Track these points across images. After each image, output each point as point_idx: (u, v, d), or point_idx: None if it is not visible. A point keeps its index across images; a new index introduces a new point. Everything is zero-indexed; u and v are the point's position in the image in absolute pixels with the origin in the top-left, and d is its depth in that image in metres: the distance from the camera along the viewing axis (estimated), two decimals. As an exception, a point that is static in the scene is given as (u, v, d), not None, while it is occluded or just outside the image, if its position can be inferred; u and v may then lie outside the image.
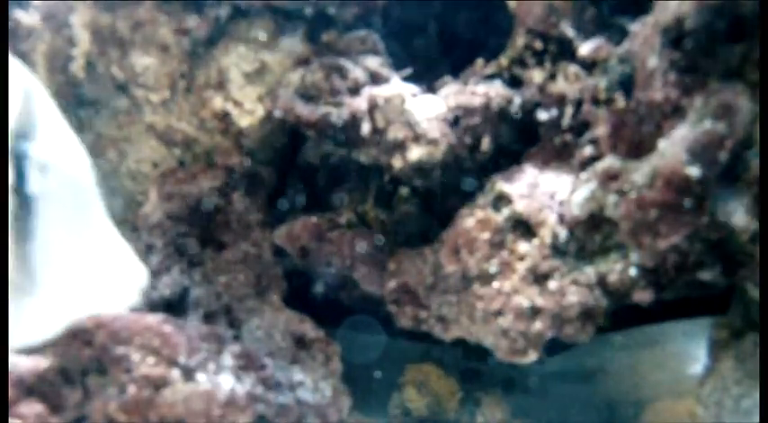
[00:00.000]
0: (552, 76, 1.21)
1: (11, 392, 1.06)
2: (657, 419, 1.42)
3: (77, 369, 1.09)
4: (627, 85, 1.07)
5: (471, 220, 1.17)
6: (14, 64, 0.64)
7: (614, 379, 1.51)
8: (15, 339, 0.63)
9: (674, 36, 0.95)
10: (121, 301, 0.64)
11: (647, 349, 1.50)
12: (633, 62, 1.06)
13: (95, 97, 1.41)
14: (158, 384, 1.08)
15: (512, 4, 1.24)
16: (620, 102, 1.07)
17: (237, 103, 1.33)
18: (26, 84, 0.64)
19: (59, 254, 0.62)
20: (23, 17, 1.39)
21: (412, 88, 1.26)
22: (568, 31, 1.19)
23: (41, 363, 1.08)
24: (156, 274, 1.30)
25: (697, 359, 1.38)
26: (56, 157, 0.64)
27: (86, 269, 0.63)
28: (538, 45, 1.21)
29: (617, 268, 1.06)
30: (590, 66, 1.16)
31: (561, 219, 1.12)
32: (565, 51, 1.20)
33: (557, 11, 1.20)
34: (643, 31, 1.03)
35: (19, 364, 1.07)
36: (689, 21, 0.93)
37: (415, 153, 1.21)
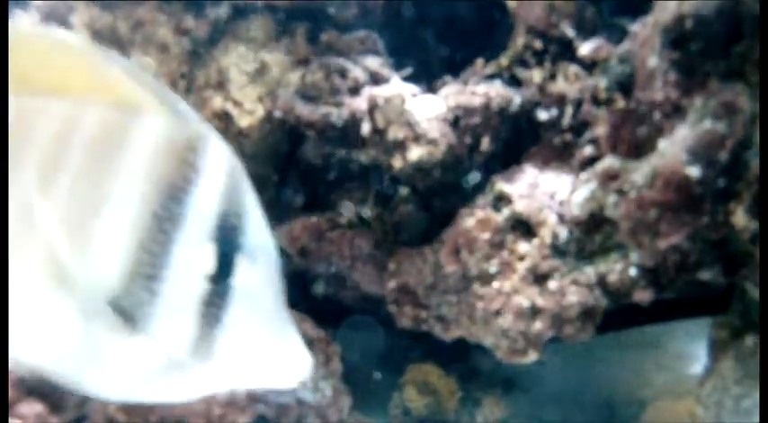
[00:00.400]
0: (552, 76, 1.21)
1: (11, 392, 1.06)
2: (657, 419, 1.42)
3: (77, 369, 1.09)
4: (627, 85, 1.07)
5: (471, 220, 1.17)
6: (217, 140, 0.63)
7: (614, 379, 1.51)
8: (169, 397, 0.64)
9: (674, 36, 0.95)
10: (282, 384, 0.64)
11: (647, 349, 1.50)
12: (633, 62, 1.06)
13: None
14: (158, 384, 1.08)
15: (512, 4, 1.24)
16: (620, 102, 1.08)
17: (237, 103, 1.33)
18: (229, 160, 0.63)
19: (244, 339, 0.62)
20: (23, 17, 1.39)
21: (412, 88, 1.26)
22: (568, 31, 1.19)
23: (41, 363, 1.08)
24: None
25: (697, 359, 1.38)
26: (263, 246, 0.63)
27: (260, 351, 0.63)
28: (538, 45, 1.21)
29: (617, 268, 1.06)
30: (590, 66, 1.16)
31: (561, 219, 1.12)
32: (565, 51, 1.20)
33: (557, 11, 1.20)
34: (643, 31, 1.03)
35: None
36: (689, 21, 0.93)
37: (415, 153, 1.21)
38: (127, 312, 0.60)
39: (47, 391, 1.08)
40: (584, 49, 1.16)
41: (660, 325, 1.26)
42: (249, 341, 0.62)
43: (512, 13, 1.25)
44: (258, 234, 0.62)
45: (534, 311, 1.11)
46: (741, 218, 0.92)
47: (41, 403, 1.07)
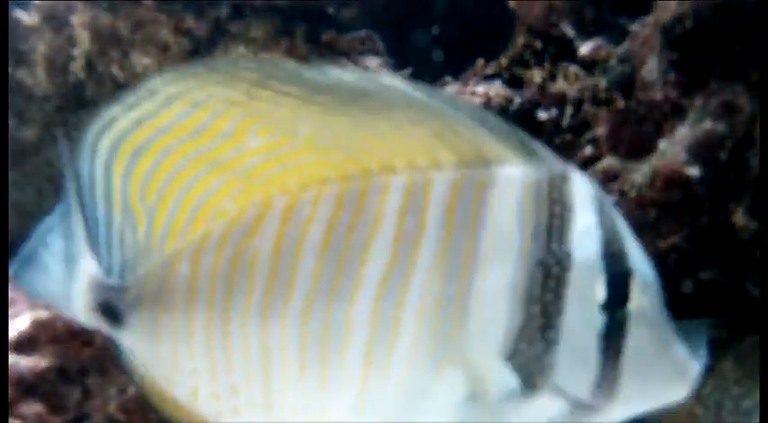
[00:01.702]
0: (552, 76, 1.21)
1: (11, 392, 1.06)
2: (657, 420, 1.42)
3: (77, 369, 1.09)
4: (627, 85, 1.07)
5: (471, 220, 1.17)
6: (577, 173, 0.61)
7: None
8: None
9: (674, 36, 0.95)
10: (675, 398, 0.63)
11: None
12: (633, 62, 1.06)
13: (95, 97, 1.41)
14: (158, 384, 1.08)
15: (512, 4, 1.24)
16: (620, 102, 1.08)
17: (237, 103, 1.33)
18: (594, 191, 0.61)
19: (644, 365, 0.60)
20: (23, 17, 1.39)
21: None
22: (568, 31, 1.19)
23: (41, 362, 1.08)
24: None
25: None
26: (647, 269, 0.61)
27: (658, 374, 0.61)
28: (538, 45, 1.21)
29: (617, 268, 1.06)
30: (590, 66, 1.16)
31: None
32: (565, 51, 1.20)
33: (557, 11, 1.20)
34: (643, 31, 1.03)
35: (19, 363, 1.08)
36: (689, 21, 0.93)
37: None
38: (524, 371, 0.58)
39: (47, 391, 1.08)
40: (584, 49, 1.16)
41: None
42: (648, 367, 0.60)
43: (512, 13, 1.25)
44: (640, 257, 0.60)
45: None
46: (741, 218, 0.92)
47: (41, 403, 1.07)
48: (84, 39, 1.35)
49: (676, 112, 0.96)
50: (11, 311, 1.12)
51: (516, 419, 0.60)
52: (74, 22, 1.35)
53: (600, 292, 0.58)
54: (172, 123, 0.63)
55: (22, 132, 1.43)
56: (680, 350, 0.61)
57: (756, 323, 1.03)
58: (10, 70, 1.39)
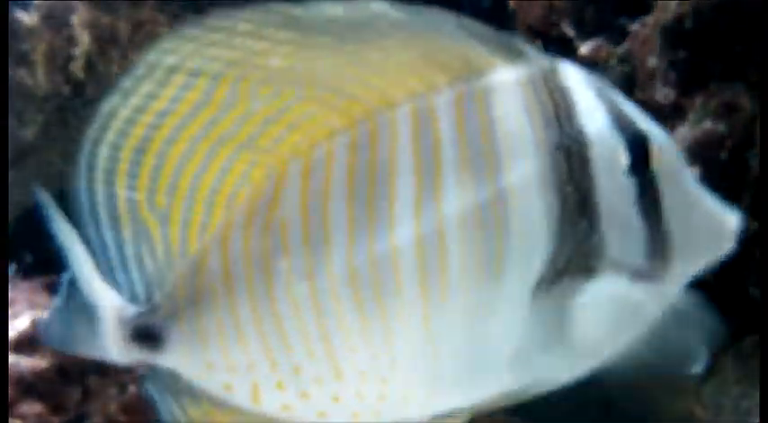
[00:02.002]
0: (552, 76, 1.21)
1: (11, 392, 1.06)
2: (657, 419, 1.42)
3: (77, 369, 1.09)
4: (627, 85, 1.07)
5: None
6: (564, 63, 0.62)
7: (614, 379, 1.51)
8: None
9: (674, 36, 0.95)
10: (724, 251, 0.63)
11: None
12: (633, 62, 1.06)
13: (95, 97, 1.41)
14: (158, 384, 1.08)
15: (512, 4, 1.24)
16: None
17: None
18: (583, 72, 0.62)
19: (686, 219, 0.61)
20: (23, 17, 1.39)
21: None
22: (568, 31, 1.19)
23: (41, 362, 1.08)
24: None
25: (697, 359, 1.38)
26: (656, 128, 0.61)
27: (702, 226, 0.62)
28: (538, 45, 1.21)
29: (617, 268, 1.06)
30: (590, 66, 1.16)
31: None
32: (565, 51, 1.20)
33: (557, 11, 1.20)
34: (643, 31, 1.03)
35: (19, 363, 1.08)
36: (689, 21, 0.93)
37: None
38: (577, 255, 0.59)
39: (47, 391, 1.08)
40: (584, 49, 1.16)
41: (660, 325, 1.26)
42: (690, 223, 0.61)
43: (512, 13, 1.25)
44: (649, 122, 0.61)
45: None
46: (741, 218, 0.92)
47: (41, 403, 1.07)
48: (84, 39, 1.35)
49: (676, 112, 0.96)
50: (11, 311, 1.12)
51: (585, 308, 0.60)
52: (74, 22, 1.35)
53: (623, 159, 0.59)
54: (173, 102, 0.61)
55: (22, 132, 1.43)
56: (715, 204, 0.62)
57: (756, 323, 1.03)
58: (10, 70, 1.39)
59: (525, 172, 0.59)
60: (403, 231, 0.59)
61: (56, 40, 1.38)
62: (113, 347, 0.65)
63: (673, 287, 0.62)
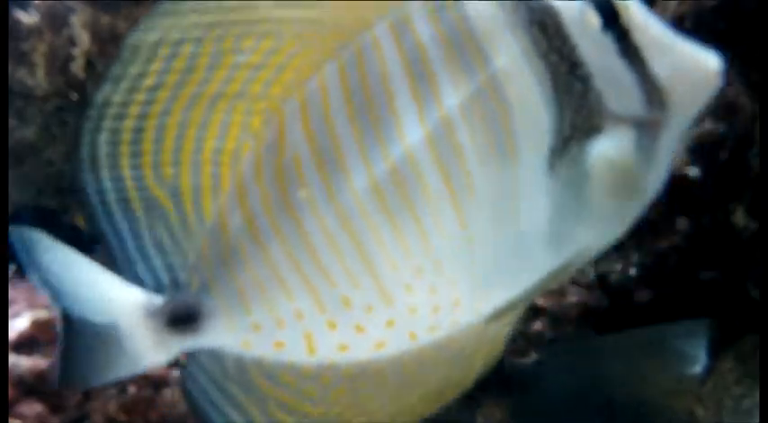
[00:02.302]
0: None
1: (11, 392, 1.06)
2: (657, 419, 1.42)
3: (77, 369, 1.09)
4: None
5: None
6: None
7: (614, 379, 1.51)
8: None
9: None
10: (713, 88, 0.63)
11: (647, 349, 1.50)
12: (633, 62, 1.06)
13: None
14: (158, 384, 1.08)
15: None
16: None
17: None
18: None
19: (670, 63, 0.62)
20: (23, 17, 1.39)
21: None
22: (568, 31, 1.19)
23: (41, 363, 1.08)
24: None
25: (697, 359, 1.38)
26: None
27: (688, 68, 0.63)
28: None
29: (617, 268, 1.06)
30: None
31: (561, 219, 1.12)
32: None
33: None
34: (643, 31, 1.03)
35: (19, 363, 1.08)
36: (689, 21, 0.93)
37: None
38: (581, 114, 0.61)
39: (47, 391, 1.08)
40: (585, 49, 1.16)
41: (660, 325, 1.26)
42: (675, 63, 0.62)
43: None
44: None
45: (534, 311, 1.11)
46: (741, 218, 0.92)
47: (41, 403, 1.07)
48: (84, 39, 1.35)
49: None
50: (11, 311, 1.12)
51: (600, 167, 0.62)
52: (74, 22, 1.35)
53: (594, 19, 0.61)
54: (162, 75, 0.61)
55: (22, 132, 1.43)
56: (692, 47, 0.63)
57: (756, 323, 1.03)
58: (10, 70, 1.38)
59: (510, 53, 0.61)
60: (412, 134, 0.60)
61: (56, 40, 1.38)
62: (149, 349, 0.63)
63: (674, 133, 0.63)
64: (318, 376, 0.65)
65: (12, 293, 1.16)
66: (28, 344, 1.09)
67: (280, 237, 0.62)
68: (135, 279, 0.64)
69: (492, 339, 0.66)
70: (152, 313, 0.63)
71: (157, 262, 0.64)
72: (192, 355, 0.66)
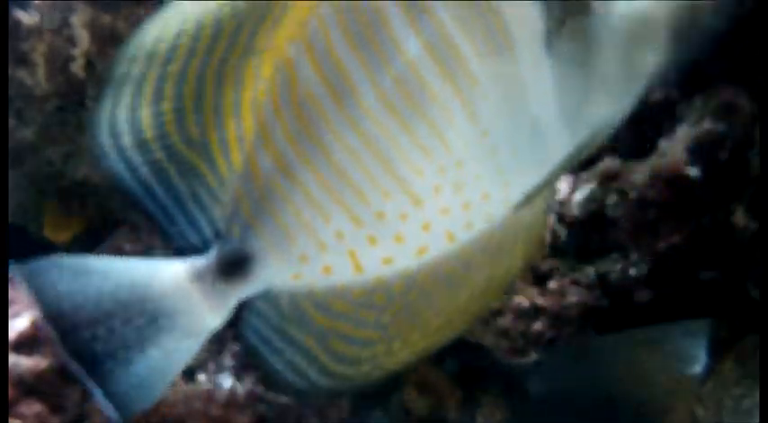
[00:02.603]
0: (552, 76, 1.21)
1: (11, 392, 1.06)
2: (657, 419, 1.42)
3: (77, 369, 1.09)
4: (627, 85, 1.07)
5: (471, 220, 1.17)
6: None
7: (614, 379, 1.51)
8: None
9: (674, 36, 0.95)
10: None
11: (646, 349, 1.50)
12: (633, 62, 1.06)
13: (95, 97, 1.41)
14: (158, 384, 1.08)
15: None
16: (621, 102, 1.07)
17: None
18: None
19: None
20: (23, 17, 1.39)
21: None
22: (568, 31, 1.19)
23: (41, 363, 1.08)
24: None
25: (697, 359, 1.38)
26: None
27: None
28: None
29: (617, 268, 1.06)
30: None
31: (561, 218, 1.12)
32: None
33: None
34: (643, 31, 1.03)
35: (19, 363, 1.08)
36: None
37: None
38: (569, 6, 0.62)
39: (47, 391, 1.08)
40: (585, 49, 1.16)
41: (660, 325, 1.26)
42: None
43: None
44: None
45: (534, 311, 1.11)
46: (741, 218, 0.92)
47: (41, 403, 1.07)
48: (84, 39, 1.35)
49: (676, 112, 0.96)
50: (11, 311, 1.12)
51: (599, 36, 0.63)
52: (74, 22, 1.35)
53: None
54: (171, 52, 0.64)
55: (22, 132, 1.43)
56: None
57: (756, 323, 1.03)
58: (10, 70, 1.38)
59: None
60: (411, 47, 0.63)
61: (56, 40, 1.38)
62: (207, 312, 0.64)
63: None
64: (371, 298, 0.68)
65: (12, 293, 1.16)
66: (28, 344, 1.09)
67: (308, 165, 0.65)
68: (188, 248, 0.66)
69: (528, 228, 0.69)
70: (199, 274, 0.65)
71: (202, 222, 0.67)
72: (247, 307, 0.67)
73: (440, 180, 0.65)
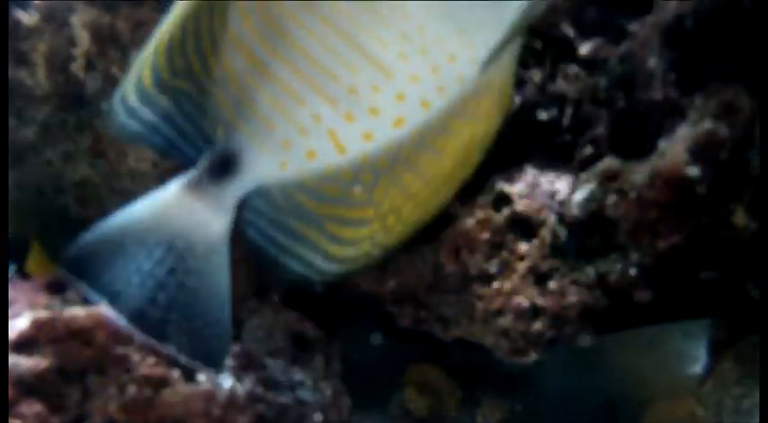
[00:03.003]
0: (552, 77, 1.21)
1: (11, 392, 1.06)
2: (657, 420, 1.42)
3: (77, 369, 1.09)
4: (627, 85, 1.07)
5: (471, 219, 1.17)
6: None
7: (614, 379, 1.51)
8: None
9: (674, 36, 0.95)
10: None
11: (646, 349, 1.50)
12: (633, 62, 1.06)
13: (95, 97, 1.41)
14: (158, 384, 1.08)
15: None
16: (620, 102, 1.08)
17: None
18: None
19: None
20: (23, 17, 1.39)
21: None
22: (568, 31, 1.19)
23: (41, 363, 1.08)
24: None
25: (697, 359, 1.38)
26: None
27: None
28: (538, 45, 1.21)
29: (617, 268, 1.06)
30: (590, 66, 1.16)
31: (561, 219, 1.12)
32: (565, 51, 1.20)
33: (557, 11, 1.20)
34: (643, 31, 1.03)
35: (19, 363, 1.08)
36: (689, 21, 0.93)
37: (415, 153, 1.21)
38: None
39: (47, 391, 1.08)
40: (584, 49, 1.16)
41: (660, 325, 1.26)
42: None
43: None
44: None
45: (534, 311, 1.11)
46: (741, 218, 0.92)
47: (41, 403, 1.07)
48: (84, 39, 1.35)
49: (676, 112, 0.96)
50: (11, 311, 1.12)
51: None
52: (74, 22, 1.35)
53: None
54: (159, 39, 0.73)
55: (22, 132, 1.43)
56: None
57: (756, 323, 1.03)
58: (10, 70, 1.38)
59: None
60: None
61: (56, 40, 1.38)
62: (210, 215, 0.69)
63: None
64: (359, 178, 0.71)
65: (12, 293, 1.16)
66: (28, 344, 1.09)
67: (277, 56, 0.68)
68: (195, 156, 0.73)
69: (501, 87, 0.73)
70: (193, 184, 0.71)
71: (198, 139, 0.74)
72: (245, 206, 0.73)
73: (404, 47, 0.67)
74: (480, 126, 0.71)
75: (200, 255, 0.71)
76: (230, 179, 0.70)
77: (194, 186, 0.71)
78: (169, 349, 0.71)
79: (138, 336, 0.70)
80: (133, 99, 0.73)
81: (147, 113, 0.73)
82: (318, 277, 0.76)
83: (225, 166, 0.70)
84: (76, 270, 0.71)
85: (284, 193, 0.72)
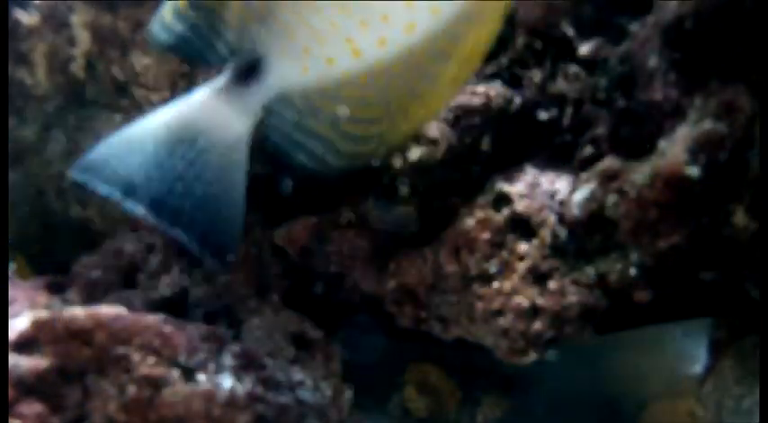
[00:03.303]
0: (552, 76, 1.21)
1: (11, 392, 1.06)
2: (657, 419, 1.42)
3: (77, 369, 1.09)
4: (627, 85, 1.07)
5: (471, 220, 1.17)
6: None
7: (614, 379, 1.51)
8: None
9: (674, 36, 0.95)
10: None
11: (646, 349, 1.50)
12: (633, 62, 1.06)
13: (95, 97, 1.41)
14: (158, 384, 1.08)
15: (512, 4, 1.24)
16: (620, 102, 1.07)
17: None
18: None
19: None
20: (23, 17, 1.39)
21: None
22: (568, 30, 1.19)
23: (41, 363, 1.08)
24: (155, 274, 1.30)
25: (697, 359, 1.38)
26: None
27: None
28: (538, 45, 1.21)
29: (617, 268, 1.06)
30: (590, 66, 1.16)
31: (561, 219, 1.12)
32: (565, 51, 1.20)
33: (557, 11, 1.20)
34: (643, 31, 1.03)
35: (19, 363, 1.08)
36: (689, 21, 0.93)
37: (415, 153, 1.21)
38: None
39: (47, 391, 1.08)
40: (584, 49, 1.16)
41: (660, 325, 1.26)
42: None
43: (512, 13, 1.25)
44: None
45: (534, 311, 1.11)
46: (741, 218, 0.92)
47: (41, 403, 1.07)
48: (84, 39, 1.35)
49: (676, 112, 0.96)
50: (11, 311, 1.12)
51: None
52: (74, 22, 1.35)
53: None
54: None
55: (22, 132, 1.43)
56: None
57: (756, 323, 1.03)
58: (10, 70, 1.39)
59: None
60: None
61: (56, 40, 1.38)
62: (235, 118, 0.73)
63: None
64: (374, 81, 0.75)
65: (12, 293, 1.16)
66: (28, 344, 1.09)
67: None
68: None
69: None
70: (220, 89, 0.74)
71: (224, 50, 0.76)
72: (268, 110, 0.77)
73: None
74: (484, 29, 0.75)
75: (221, 152, 0.75)
76: (255, 83, 0.74)
77: (220, 90, 0.74)
78: (180, 236, 0.75)
79: (153, 221, 0.74)
80: (168, 16, 0.76)
81: (178, 27, 0.76)
82: (326, 170, 0.81)
83: (250, 72, 0.74)
84: (90, 172, 0.76)
85: (304, 97, 0.76)
